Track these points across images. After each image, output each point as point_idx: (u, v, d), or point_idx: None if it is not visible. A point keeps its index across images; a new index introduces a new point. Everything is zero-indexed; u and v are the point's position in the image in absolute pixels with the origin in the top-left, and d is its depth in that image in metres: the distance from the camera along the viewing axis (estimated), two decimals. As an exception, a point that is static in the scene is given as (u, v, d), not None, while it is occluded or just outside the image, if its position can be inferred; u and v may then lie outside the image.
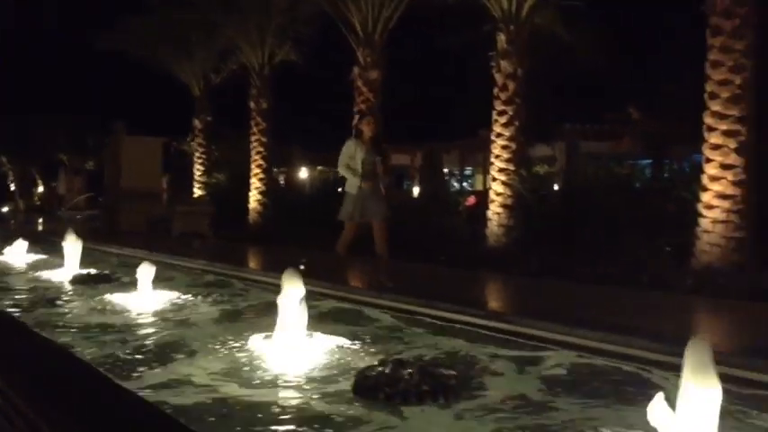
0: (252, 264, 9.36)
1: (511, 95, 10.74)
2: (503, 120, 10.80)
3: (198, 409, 2.99)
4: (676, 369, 2.43)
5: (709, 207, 8.14)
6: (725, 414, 2.58)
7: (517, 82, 10.70)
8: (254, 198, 16.08)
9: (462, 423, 2.88)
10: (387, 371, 3.03)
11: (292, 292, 3.85)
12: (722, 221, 8.03)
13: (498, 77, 10.83)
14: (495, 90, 10.88)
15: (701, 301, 6.79)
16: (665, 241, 8.80)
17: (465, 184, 33.27)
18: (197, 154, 18.72)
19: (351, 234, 7.87)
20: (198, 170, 18.69)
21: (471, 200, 12.41)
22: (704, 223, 8.16)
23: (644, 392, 3.18)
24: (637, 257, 8.42)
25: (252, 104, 16.13)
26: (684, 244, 8.34)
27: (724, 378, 2.36)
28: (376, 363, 3.26)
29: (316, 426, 2.84)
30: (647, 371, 3.63)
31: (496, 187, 10.82)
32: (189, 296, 6.03)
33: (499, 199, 10.76)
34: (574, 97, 20.71)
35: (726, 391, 2.33)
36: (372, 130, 7.86)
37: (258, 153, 16.10)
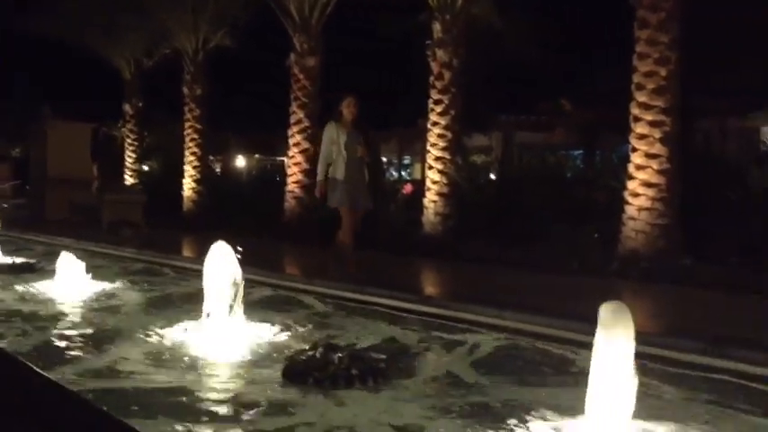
0: (184, 251, 9.23)
1: (446, 84, 10.84)
2: (439, 108, 10.90)
3: (123, 397, 2.95)
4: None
5: (635, 195, 8.42)
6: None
7: (453, 71, 10.81)
8: (188, 186, 15.80)
9: (393, 404, 2.93)
10: (317, 355, 3.05)
11: (223, 271, 3.82)
12: (647, 209, 8.31)
13: (434, 66, 10.91)
14: (432, 79, 10.97)
15: (626, 284, 7.06)
16: (594, 228, 9.07)
17: (404, 173, 33.46)
18: (128, 140, 18.22)
19: (350, 219, 7.26)
20: (129, 157, 18.22)
21: (408, 188, 12.51)
22: (630, 210, 8.44)
23: (566, 371, 3.31)
24: (567, 244, 8.67)
25: (185, 90, 15.80)
26: (612, 231, 8.61)
27: (641, 355, 2.48)
28: (306, 347, 3.27)
29: (248, 411, 2.84)
30: (573, 351, 3.76)
31: (432, 176, 10.92)
32: (117, 284, 5.91)
33: (435, 187, 10.87)
34: (509, 88, 21.05)
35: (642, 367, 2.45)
36: (353, 112, 7.33)
37: (192, 140, 15.81)
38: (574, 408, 2.69)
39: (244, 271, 4.19)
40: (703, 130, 17.36)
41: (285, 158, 14.14)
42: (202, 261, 3.90)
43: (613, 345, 2.27)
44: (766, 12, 12.67)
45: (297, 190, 13.15)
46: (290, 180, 13.20)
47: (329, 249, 7.61)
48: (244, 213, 13.85)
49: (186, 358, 3.58)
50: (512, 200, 10.51)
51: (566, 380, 3.28)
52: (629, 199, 8.48)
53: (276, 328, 4.26)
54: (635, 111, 8.50)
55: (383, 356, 3.17)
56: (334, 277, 5.98)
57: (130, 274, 6.84)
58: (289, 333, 4.20)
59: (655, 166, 8.35)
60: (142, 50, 17.39)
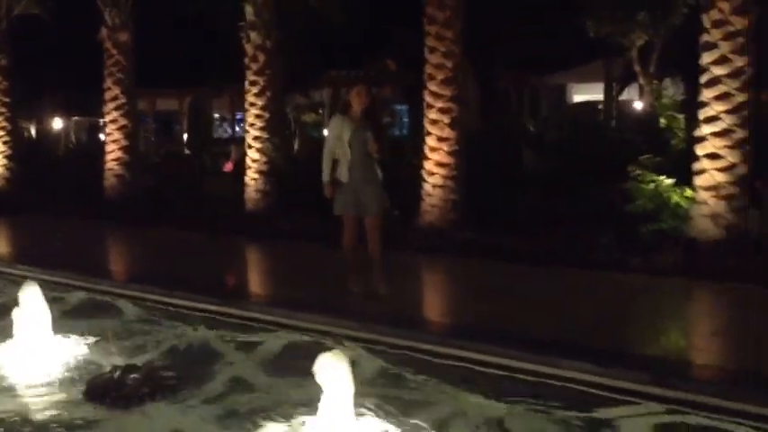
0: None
1: (261, 66, 11.47)
2: (255, 90, 11.54)
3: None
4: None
5: (431, 174, 9.65)
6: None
7: (267, 54, 11.44)
8: (-1, 163, 15.33)
9: (183, 415, 3.75)
10: (115, 376, 3.82)
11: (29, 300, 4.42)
12: (440, 186, 9.57)
13: (248, 48, 11.49)
14: (247, 60, 11.53)
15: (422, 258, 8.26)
16: (398, 203, 10.21)
17: (237, 128, 33.43)
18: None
19: (351, 229, 6.39)
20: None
21: (229, 166, 13.07)
22: (426, 188, 9.67)
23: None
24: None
25: (-11, 61, 15.15)
26: (412, 206, 9.78)
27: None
28: (108, 369, 4.02)
29: (59, 427, 3.56)
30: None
31: (252, 154, 11.62)
32: None
33: (255, 165, 11.59)
34: (337, 47, 21.91)
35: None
36: (363, 102, 6.31)
37: (1, 114, 15.27)
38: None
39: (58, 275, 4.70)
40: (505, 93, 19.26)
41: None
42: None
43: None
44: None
45: (117, 167, 13.34)
46: (108, 158, 13.35)
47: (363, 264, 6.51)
48: (63, 191, 13.79)
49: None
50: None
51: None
52: (426, 177, 9.68)
53: (87, 340, 4.92)
54: (428, 99, 9.65)
55: (172, 374, 3.99)
56: (147, 280, 6.64)
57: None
58: (98, 346, 4.89)
59: (445, 148, 9.59)
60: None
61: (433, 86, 9.61)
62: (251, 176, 11.65)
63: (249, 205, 11.67)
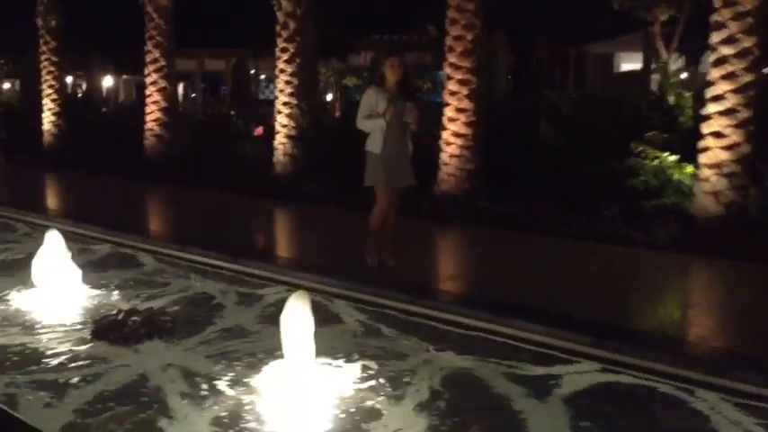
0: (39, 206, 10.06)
1: (291, 34, 11.89)
2: (285, 56, 11.98)
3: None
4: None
5: (448, 143, 9.99)
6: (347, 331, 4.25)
7: (297, 21, 11.83)
8: (47, 120, 16.20)
9: (180, 353, 4.30)
10: (118, 318, 4.37)
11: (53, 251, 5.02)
12: (456, 156, 9.91)
13: (280, 16, 11.90)
14: (278, 27, 11.95)
15: (434, 226, 8.66)
16: (416, 171, 10.58)
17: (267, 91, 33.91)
18: (-18, 70, 18.13)
19: (384, 199, 6.36)
20: (-16, 87, 18.18)
21: (259, 130, 13.59)
22: (443, 157, 10.02)
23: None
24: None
25: (40, 22, 15.94)
26: (429, 174, 10.15)
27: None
28: (113, 312, 4.59)
29: (61, 361, 4.15)
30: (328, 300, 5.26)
31: (281, 119, 12.11)
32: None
33: (284, 130, 12.09)
34: (378, 13, 22.18)
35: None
36: (397, 73, 6.26)
37: (50, 73, 16.12)
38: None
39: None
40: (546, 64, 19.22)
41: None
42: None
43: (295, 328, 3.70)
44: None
45: (156, 128, 14.00)
46: (148, 118, 14.01)
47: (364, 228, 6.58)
48: (107, 149, 14.55)
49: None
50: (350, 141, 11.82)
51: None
52: (443, 147, 10.04)
53: (107, 290, 5.53)
54: (448, 70, 9.96)
55: (168, 318, 4.54)
56: (165, 236, 7.25)
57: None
58: (117, 291, 5.50)
59: (463, 119, 9.91)
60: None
61: (452, 58, 9.90)
62: (279, 141, 12.16)
63: (277, 168, 12.21)
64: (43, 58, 16.13)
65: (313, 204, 10.30)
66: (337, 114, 19.47)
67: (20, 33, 17.64)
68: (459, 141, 9.95)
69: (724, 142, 7.78)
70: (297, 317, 3.69)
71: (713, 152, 7.84)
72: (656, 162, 8.11)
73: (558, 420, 3.49)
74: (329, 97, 31.72)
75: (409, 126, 6.34)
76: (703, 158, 7.92)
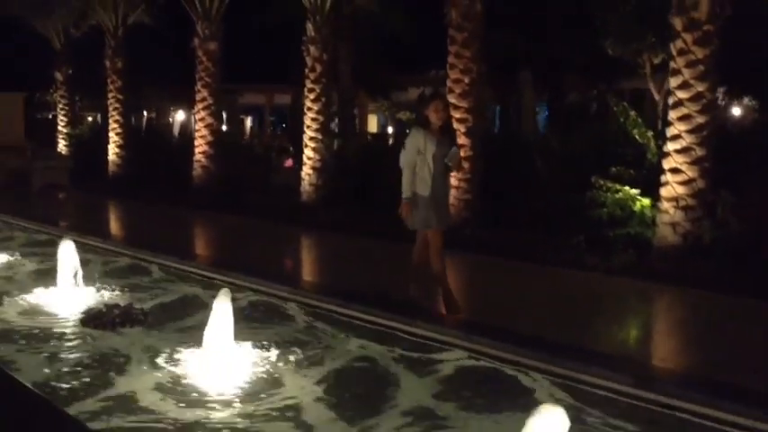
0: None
1: (318, 76, 13.21)
2: (312, 96, 13.31)
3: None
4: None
5: (448, 176, 10.94)
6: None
7: (323, 65, 13.15)
8: (112, 151, 18.04)
9: (147, 337, 5.45)
10: (103, 310, 5.58)
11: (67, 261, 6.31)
12: (455, 187, 10.83)
13: (308, 60, 13.25)
14: (306, 71, 13.28)
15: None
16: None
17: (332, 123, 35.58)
18: (60, 106, 20.29)
19: (424, 245, 6.47)
20: (61, 121, 20.32)
21: (289, 162, 14.90)
22: (444, 189, 10.98)
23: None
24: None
25: (108, 63, 17.90)
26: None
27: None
28: (102, 306, 5.81)
29: (54, 341, 5.38)
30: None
31: (308, 153, 13.40)
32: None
33: (310, 162, 13.36)
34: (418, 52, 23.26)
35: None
36: (441, 117, 6.30)
37: (115, 109, 18.02)
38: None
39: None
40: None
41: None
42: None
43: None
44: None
45: (204, 160, 15.52)
46: (197, 151, 15.56)
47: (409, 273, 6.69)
48: (164, 179, 16.17)
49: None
50: (372, 171, 12.85)
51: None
52: (444, 179, 11.00)
53: (110, 292, 6.80)
54: (447, 109, 10.94)
55: (140, 310, 5.74)
56: (175, 252, 8.54)
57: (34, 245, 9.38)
58: (116, 293, 6.77)
59: (461, 154, 10.82)
60: (71, 23, 19.32)
61: (452, 99, 10.91)
62: (306, 172, 13.43)
63: (304, 197, 13.45)
64: (110, 95, 18.07)
65: (329, 231, 11.35)
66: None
67: (99, 73, 19.67)
68: (458, 174, 10.90)
69: (681, 177, 8.50)
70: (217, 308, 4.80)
71: (671, 186, 8.56)
72: (618, 195, 8.87)
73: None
74: (390, 130, 33.14)
75: (452, 169, 6.48)
76: (663, 192, 8.64)
